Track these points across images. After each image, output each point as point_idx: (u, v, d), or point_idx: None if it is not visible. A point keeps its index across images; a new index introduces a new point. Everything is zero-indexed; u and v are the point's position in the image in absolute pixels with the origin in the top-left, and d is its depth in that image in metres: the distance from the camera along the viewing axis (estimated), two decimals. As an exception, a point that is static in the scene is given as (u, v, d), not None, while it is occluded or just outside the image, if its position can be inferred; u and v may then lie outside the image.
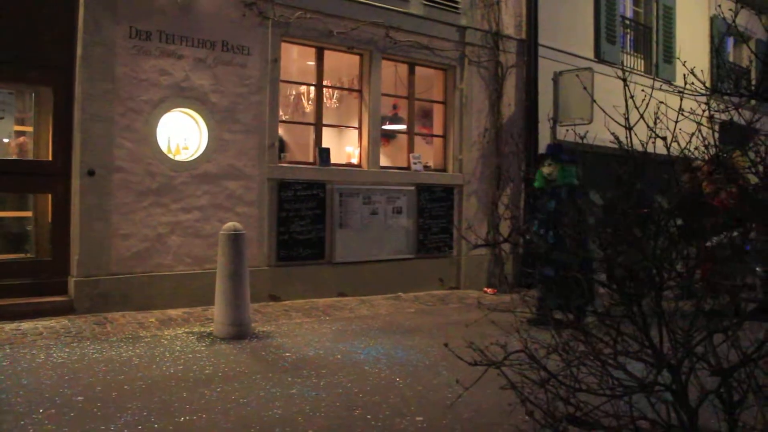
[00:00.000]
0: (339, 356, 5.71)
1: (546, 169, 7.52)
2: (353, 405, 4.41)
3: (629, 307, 2.05)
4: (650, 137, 2.23)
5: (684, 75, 2.22)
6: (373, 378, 5.08)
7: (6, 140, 7.32)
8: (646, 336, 2.04)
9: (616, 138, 2.23)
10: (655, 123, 2.23)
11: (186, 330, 6.46)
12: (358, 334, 6.54)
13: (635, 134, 2.36)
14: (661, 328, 2.08)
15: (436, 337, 6.46)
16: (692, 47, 13.18)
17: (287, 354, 5.73)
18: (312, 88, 9.17)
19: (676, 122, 2.21)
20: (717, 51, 10.51)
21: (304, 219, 8.40)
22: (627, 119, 2.23)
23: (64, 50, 6.93)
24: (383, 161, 9.49)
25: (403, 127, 10.00)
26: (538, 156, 8.04)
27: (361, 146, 9.24)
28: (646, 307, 2.06)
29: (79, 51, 6.89)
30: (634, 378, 2.11)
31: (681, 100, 2.14)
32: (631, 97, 2.29)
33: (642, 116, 2.29)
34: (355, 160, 9.35)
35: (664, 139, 2.21)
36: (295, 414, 4.21)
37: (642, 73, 13.04)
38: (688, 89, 2.36)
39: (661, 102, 2.42)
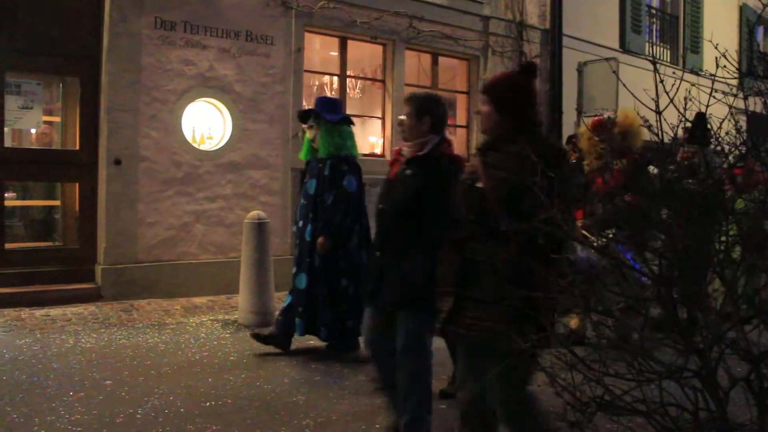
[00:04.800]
0: (363, 344, 5.73)
1: (309, 133, 5.37)
2: (376, 392, 4.42)
3: (658, 291, 2.04)
4: (681, 121, 2.20)
5: (716, 58, 2.20)
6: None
7: (34, 130, 7.42)
8: (675, 320, 2.03)
9: (647, 123, 2.21)
10: (685, 107, 2.21)
11: (211, 317, 6.53)
12: (381, 323, 6.55)
13: (665, 119, 2.33)
14: (690, 313, 2.06)
15: (459, 326, 6.46)
16: (721, 37, 12.99)
17: (311, 342, 5.76)
18: (335, 78, 9.18)
19: (708, 105, 2.18)
20: (750, 34, 10.25)
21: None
22: (657, 103, 2.20)
23: (90, 41, 7.00)
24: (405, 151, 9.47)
25: (426, 117, 9.95)
26: (299, 113, 5.84)
27: (384, 136, 9.24)
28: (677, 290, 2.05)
29: (105, 42, 6.96)
30: (661, 363, 2.10)
31: (713, 83, 2.12)
32: (661, 81, 2.27)
33: (672, 101, 2.26)
34: (378, 150, 9.35)
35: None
36: (318, 400, 4.24)
37: (668, 64, 12.87)
38: (718, 75, 2.33)
39: (691, 89, 2.39)
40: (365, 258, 5.14)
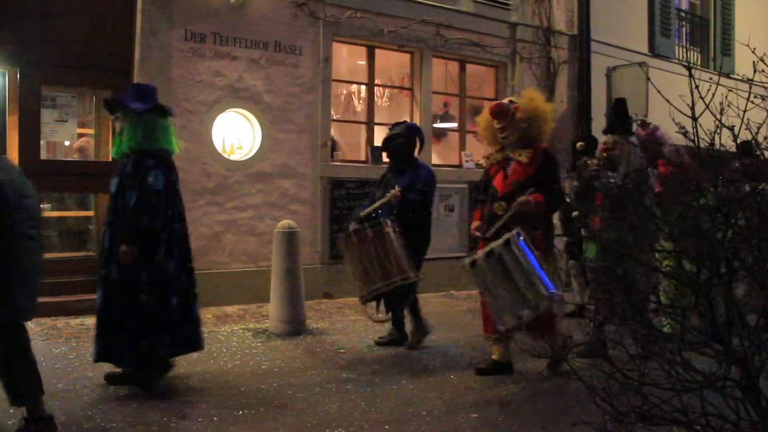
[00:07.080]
0: (393, 353, 5.73)
1: (117, 125, 4.66)
2: (408, 401, 4.42)
3: (697, 299, 2.01)
4: (717, 128, 2.17)
5: (753, 63, 2.16)
6: (427, 374, 5.08)
7: (68, 142, 7.56)
8: (715, 329, 2.00)
9: (683, 129, 2.19)
10: (721, 113, 2.18)
11: (242, 326, 6.57)
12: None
13: (700, 125, 2.30)
14: (729, 321, 2.03)
15: (490, 334, 6.42)
16: (753, 39, 12.80)
17: (342, 350, 5.77)
18: (363, 87, 9.21)
19: (745, 111, 2.15)
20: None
21: (356, 217, 8.43)
22: (693, 110, 2.18)
23: (122, 54, 7.12)
24: (435, 159, 9.47)
25: (454, 125, 9.96)
26: (104, 101, 4.94)
27: (412, 144, 9.23)
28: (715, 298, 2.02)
29: (137, 55, 7.08)
30: (701, 373, 2.07)
31: (750, 88, 2.09)
32: (696, 87, 2.24)
33: (707, 107, 2.23)
34: (406, 159, 9.34)
35: (732, 128, 2.16)
36: (350, 409, 4.24)
37: (699, 67, 12.70)
38: (756, 79, 2.30)
39: (728, 94, 2.36)
40: (173, 269, 4.56)
